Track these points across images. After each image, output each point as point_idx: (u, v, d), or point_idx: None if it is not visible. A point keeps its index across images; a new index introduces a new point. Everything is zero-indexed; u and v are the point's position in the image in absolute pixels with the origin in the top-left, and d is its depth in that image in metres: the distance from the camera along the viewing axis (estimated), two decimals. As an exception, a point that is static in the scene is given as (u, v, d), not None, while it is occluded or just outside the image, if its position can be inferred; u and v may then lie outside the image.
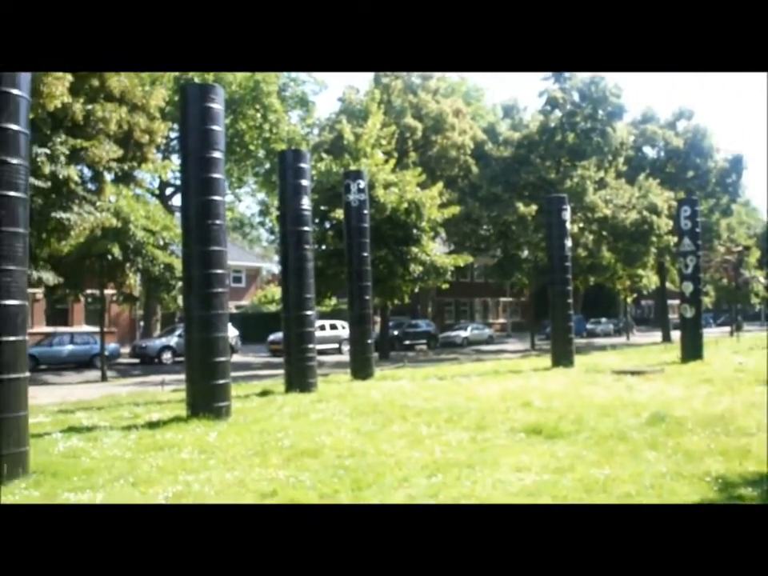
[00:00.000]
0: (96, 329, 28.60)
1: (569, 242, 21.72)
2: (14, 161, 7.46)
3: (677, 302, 26.38)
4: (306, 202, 15.99)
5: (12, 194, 7.39)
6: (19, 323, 7.29)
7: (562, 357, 20.35)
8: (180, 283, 23.35)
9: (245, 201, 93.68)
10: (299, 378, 14.95)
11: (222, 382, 11.21)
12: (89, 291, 24.42)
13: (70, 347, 27.64)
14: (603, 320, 55.70)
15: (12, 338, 7.19)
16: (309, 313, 15.66)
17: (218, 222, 11.52)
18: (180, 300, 24.96)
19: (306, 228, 15.86)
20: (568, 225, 21.79)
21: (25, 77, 7.74)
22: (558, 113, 36.62)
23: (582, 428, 9.10)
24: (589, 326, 52.25)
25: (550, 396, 12.43)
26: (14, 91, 7.50)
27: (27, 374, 7.51)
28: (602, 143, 36.05)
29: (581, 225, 33.96)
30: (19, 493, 6.46)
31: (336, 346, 34.95)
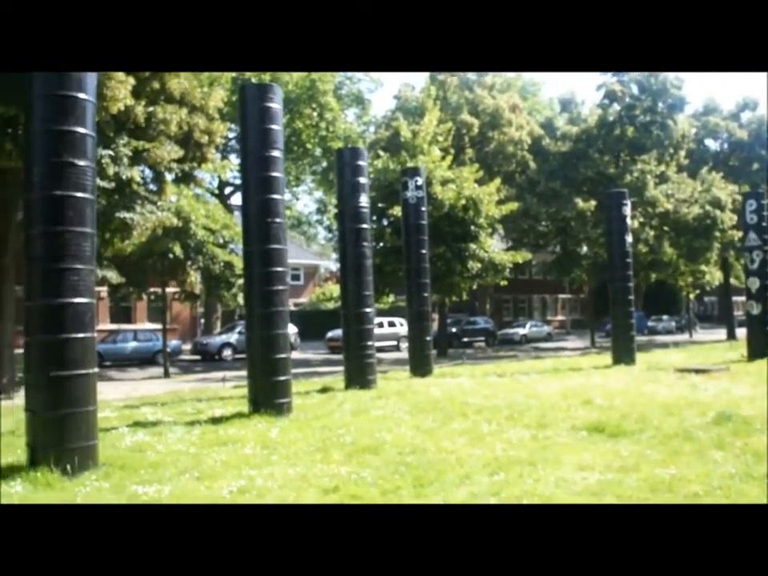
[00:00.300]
0: (158, 326, 29.20)
1: (629, 238, 21.33)
2: (82, 163, 7.65)
3: (742, 298, 25.77)
4: (365, 200, 16.06)
5: (80, 194, 7.58)
6: (87, 320, 7.48)
7: (624, 354, 20.01)
8: (240, 281, 23.72)
9: (302, 199, 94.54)
10: (359, 375, 15.03)
11: (283, 378, 11.33)
12: (151, 289, 24.90)
13: (133, 344, 28.25)
14: (665, 317, 54.62)
15: (81, 335, 7.39)
16: (368, 310, 15.72)
17: (277, 220, 11.65)
18: (240, 298, 25.39)
19: (364, 225, 15.93)
20: (628, 220, 21.40)
21: (91, 81, 7.92)
22: (616, 106, 36.06)
23: (645, 427, 8.93)
24: (650, 324, 51.31)
25: (612, 394, 12.24)
26: (81, 95, 7.69)
27: (96, 369, 7.70)
28: (663, 136, 35.35)
29: (641, 220, 33.38)
30: (90, 484, 6.63)
31: (394, 343, 35.00)
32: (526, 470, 6.82)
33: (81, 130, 7.68)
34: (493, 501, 5.84)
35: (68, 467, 6.96)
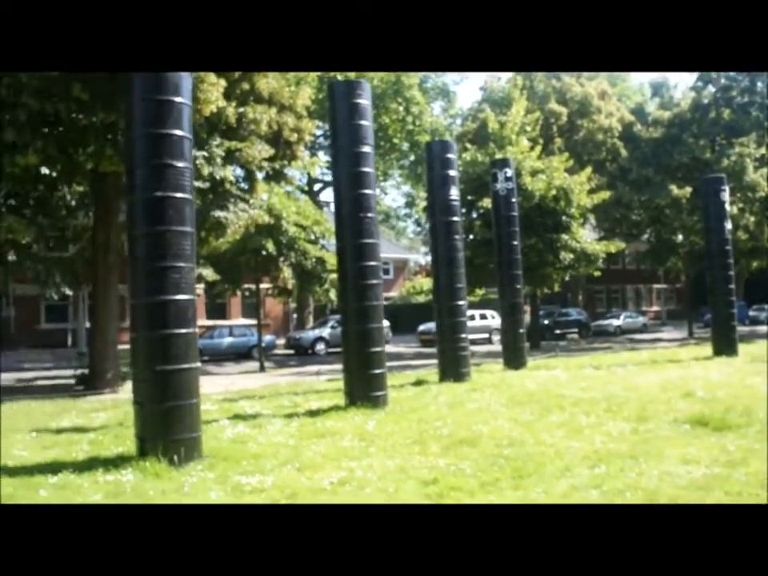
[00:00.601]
0: (252, 321, 29.85)
1: (728, 225, 20.61)
2: (180, 164, 7.89)
3: None
4: (455, 193, 16.03)
5: (179, 195, 7.81)
6: (190, 316, 7.72)
7: (724, 345, 19.35)
8: (331, 276, 24.04)
9: (390, 193, 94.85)
10: (452, 368, 15.02)
11: (378, 371, 11.43)
12: (245, 286, 25.42)
13: (229, 339, 28.92)
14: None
15: (184, 331, 7.63)
16: (460, 303, 15.69)
17: (369, 214, 11.75)
18: (332, 293, 25.72)
19: (455, 218, 15.90)
20: (727, 206, 20.69)
21: (186, 84, 8.14)
22: (711, 88, 34.86)
23: (751, 420, 8.59)
24: (752, 313, 49.22)
25: (714, 386, 11.87)
26: (177, 99, 7.92)
27: (198, 364, 7.94)
28: (762, 117, 33.96)
29: (740, 206, 32.18)
30: (196, 474, 6.85)
31: (486, 335, 34.75)
32: (627, 464, 6.69)
33: (178, 132, 7.91)
34: (594, 494, 5.76)
35: (175, 458, 7.21)
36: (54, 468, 7.21)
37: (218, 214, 18.37)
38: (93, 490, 6.34)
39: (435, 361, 17.07)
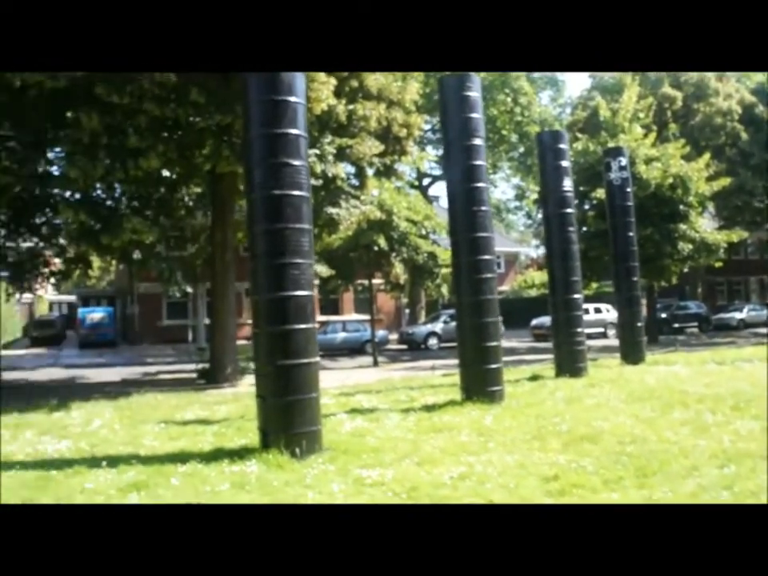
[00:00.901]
0: (364, 317, 30.17)
1: None
2: (296, 162, 8.03)
3: None
4: (568, 184, 15.73)
5: (296, 192, 7.96)
6: (309, 312, 7.86)
7: None
8: (443, 271, 24.04)
9: (500, 186, 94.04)
10: (569, 363, 14.74)
11: (494, 366, 11.33)
12: (357, 281, 25.71)
13: (342, 335, 29.27)
14: None
15: (303, 326, 7.77)
16: (576, 296, 15.38)
17: (483, 208, 11.67)
18: (444, 288, 25.71)
19: (568, 210, 15.60)
20: None
21: (300, 84, 8.27)
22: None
23: None
24: None
25: None
26: (292, 98, 8.06)
27: (318, 358, 8.07)
28: None
29: None
30: (317, 467, 6.97)
31: (601, 330, 33.89)
32: (759, 465, 6.38)
33: (294, 131, 8.06)
34: (725, 495, 5.53)
35: (296, 450, 7.35)
36: (182, 458, 7.51)
37: (331, 210, 18.67)
38: (219, 480, 6.55)
39: (549, 356, 16.82)
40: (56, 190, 18.15)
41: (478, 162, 11.83)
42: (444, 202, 70.87)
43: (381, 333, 29.39)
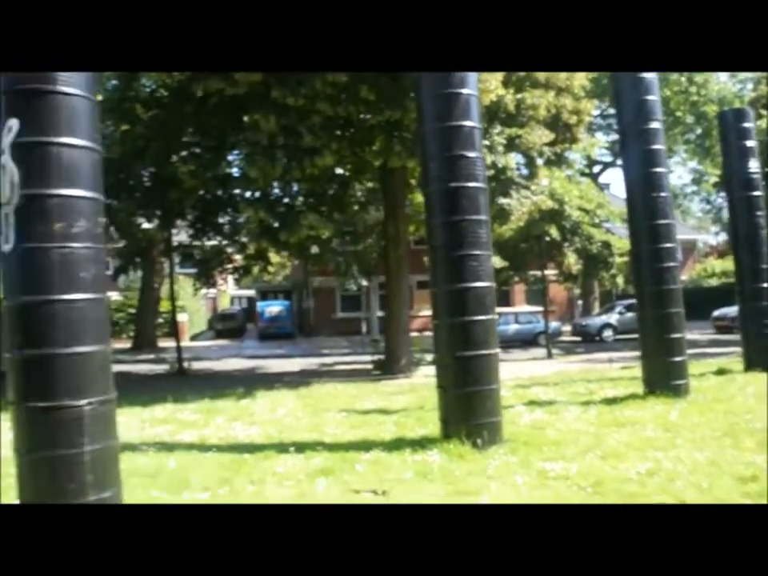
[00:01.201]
0: (536, 308, 29.76)
1: None
2: (471, 154, 8.03)
3: None
4: (755, 165, 14.75)
5: (472, 184, 7.97)
6: (488, 303, 7.85)
7: None
8: (618, 260, 23.33)
9: (675, 171, 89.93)
10: (760, 356, 13.74)
11: (678, 359, 10.83)
12: (530, 272, 25.43)
13: (515, 326, 28.97)
14: None
15: (483, 317, 7.78)
16: (766, 285, 14.43)
17: (663, 194, 11.19)
18: (619, 278, 24.96)
19: (756, 193, 14.63)
20: None
21: (472, 75, 8.24)
22: None
23: None
24: None
25: None
26: (465, 91, 8.05)
27: (497, 350, 8.05)
28: None
29: None
30: (499, 458, 6.97)
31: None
32: None
33: (468, 123, 8.06)
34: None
35: (478, 441, 7.38)
36: (365, 446, 7.74)
37: (502, 201, 18.62)
38: (403, 468, 6.71)
39: (735, 348, 15.92)
40: (237, 191, 19.20)
41: (656, 147, 11.36)
42: (616, 189, 68.55)
43: (553, 324, 28.85)
